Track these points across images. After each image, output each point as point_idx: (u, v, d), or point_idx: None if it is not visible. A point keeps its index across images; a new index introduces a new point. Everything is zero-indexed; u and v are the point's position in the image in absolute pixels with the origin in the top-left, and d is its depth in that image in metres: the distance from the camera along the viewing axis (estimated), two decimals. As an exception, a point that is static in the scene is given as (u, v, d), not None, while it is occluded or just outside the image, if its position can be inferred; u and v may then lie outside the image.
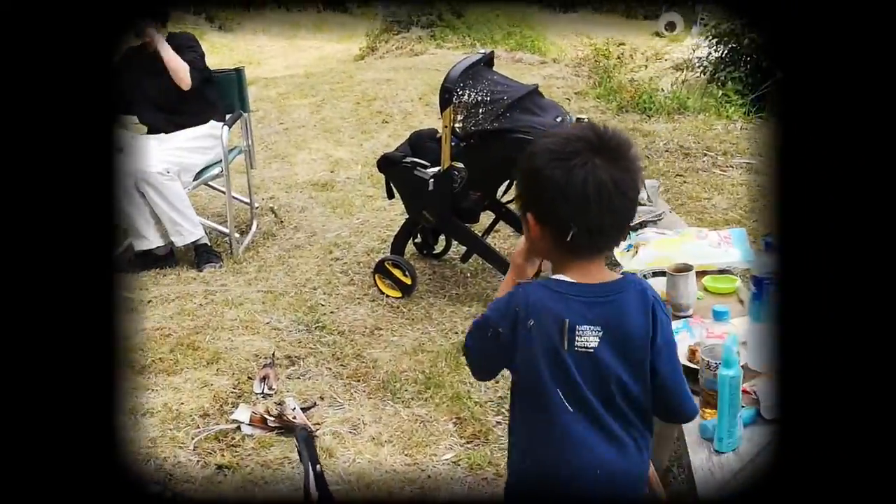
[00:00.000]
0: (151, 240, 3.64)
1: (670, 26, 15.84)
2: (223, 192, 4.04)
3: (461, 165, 3.06)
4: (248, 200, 4.14)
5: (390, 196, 3.38)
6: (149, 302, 3.22)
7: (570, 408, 1.28)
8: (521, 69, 8.08)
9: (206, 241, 3.71)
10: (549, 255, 1.35)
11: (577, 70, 7.71)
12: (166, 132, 3.78)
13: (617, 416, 1.29)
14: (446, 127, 2.99)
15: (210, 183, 3.93)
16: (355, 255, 3.65)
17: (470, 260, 3.42)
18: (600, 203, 1.20)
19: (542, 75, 7.45)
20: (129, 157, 3.56)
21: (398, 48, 10.47)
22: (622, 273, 1.41)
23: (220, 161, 3.76)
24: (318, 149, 5.40)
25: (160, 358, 2.73)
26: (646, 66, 9.20)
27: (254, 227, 4.06)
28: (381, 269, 3.27)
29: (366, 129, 5.83)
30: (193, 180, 3.71)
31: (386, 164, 3.22)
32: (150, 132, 3.84)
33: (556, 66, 7.88)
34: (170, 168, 3.54)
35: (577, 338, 1.26)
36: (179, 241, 3.63)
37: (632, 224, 1.36)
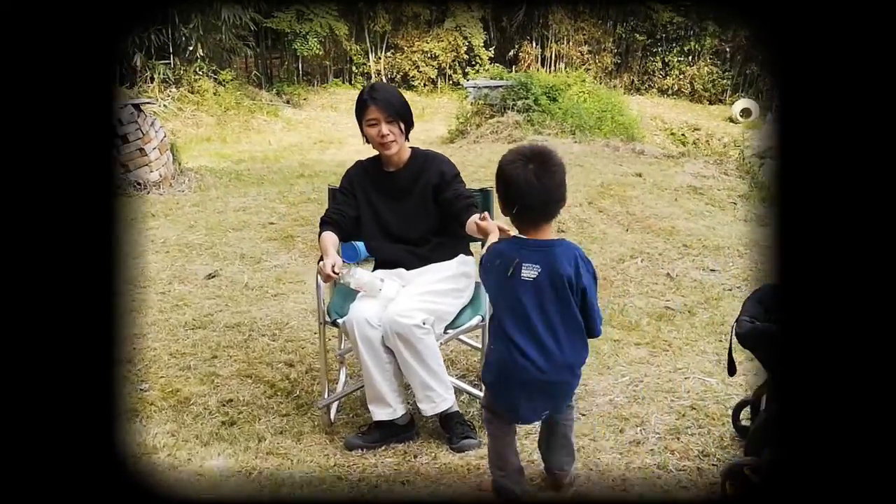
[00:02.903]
0: (395, 408, 2.86)
1: (745, 113, 15.42)
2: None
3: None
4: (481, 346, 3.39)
5: (732, 372, 2.61)
6: None
7: (513, 320, 2.17)
8: (650, 162, 7.43)
9: (456, 408, 2.93)
10: (514, 225, 2.20)
11: (724, 168, 7.04)
12: (407, 268, 3.05)
13: (547, 329, 2.15)
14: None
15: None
16: (657, 435, 2.84)
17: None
18: (529, 189, 2.08)
19: (690, 173, 6.79)
20: (369, 303, 2.82)
21: (493, 132, 9.90)
22: (561, 239, 2.17)
23: (472, 304, 3.03)
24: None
25: None
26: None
27: (485, 380, 3.30)
28: (734, 474, 2.46)
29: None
30: (445, 332, 2.94)
31: (757, 337, 2.41)
32: (380, 266, 3.10)
33: (700, 163, 7.20)
34: (427, 319, 2.78)
35: (522, 271, 2.12)
36: (429, 410, 2.84)
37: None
